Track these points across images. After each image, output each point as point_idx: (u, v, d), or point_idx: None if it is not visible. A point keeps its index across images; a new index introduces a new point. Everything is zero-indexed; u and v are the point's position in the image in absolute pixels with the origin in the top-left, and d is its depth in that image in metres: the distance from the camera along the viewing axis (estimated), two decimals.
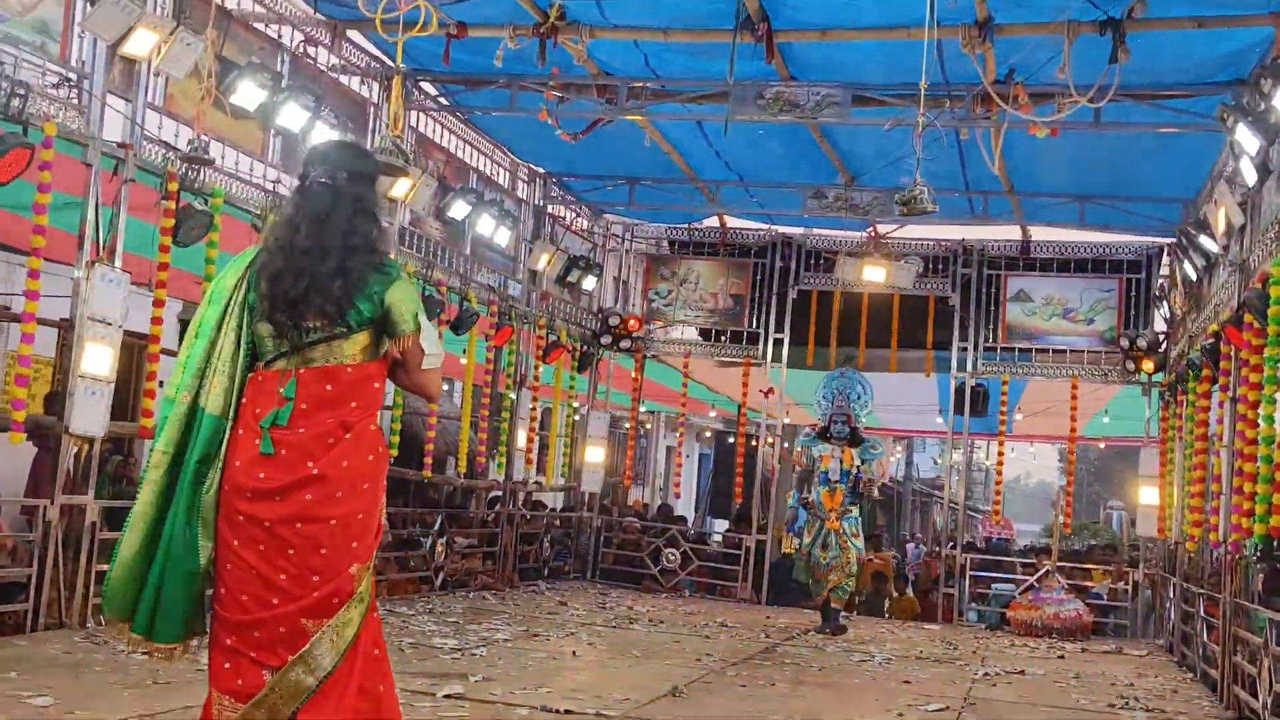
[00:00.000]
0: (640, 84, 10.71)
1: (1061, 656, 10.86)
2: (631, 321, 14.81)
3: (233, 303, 3.73)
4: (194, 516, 3.60)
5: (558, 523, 14.86)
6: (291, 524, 3.59)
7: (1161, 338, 13.35)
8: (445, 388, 15.42)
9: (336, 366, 3.70)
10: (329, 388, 3.68)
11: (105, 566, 7.76)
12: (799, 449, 11.67)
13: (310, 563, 3.60)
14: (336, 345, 3.71)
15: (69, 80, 7.57)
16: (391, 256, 3.90)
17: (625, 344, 14.90)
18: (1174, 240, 13.12)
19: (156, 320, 8.28)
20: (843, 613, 11.36)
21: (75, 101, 7.60)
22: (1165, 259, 13.69)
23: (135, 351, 9.48)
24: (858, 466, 11.17)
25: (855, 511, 11.27)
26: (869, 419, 12.08)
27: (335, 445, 3.64)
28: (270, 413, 3.64)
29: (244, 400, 3.70)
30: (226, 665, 3.60)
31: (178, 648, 3.65)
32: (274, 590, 3.58)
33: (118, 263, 7.76)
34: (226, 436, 3.66)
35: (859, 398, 11.43)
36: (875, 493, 11.62)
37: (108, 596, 3.68)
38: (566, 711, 6.29)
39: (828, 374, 11.88)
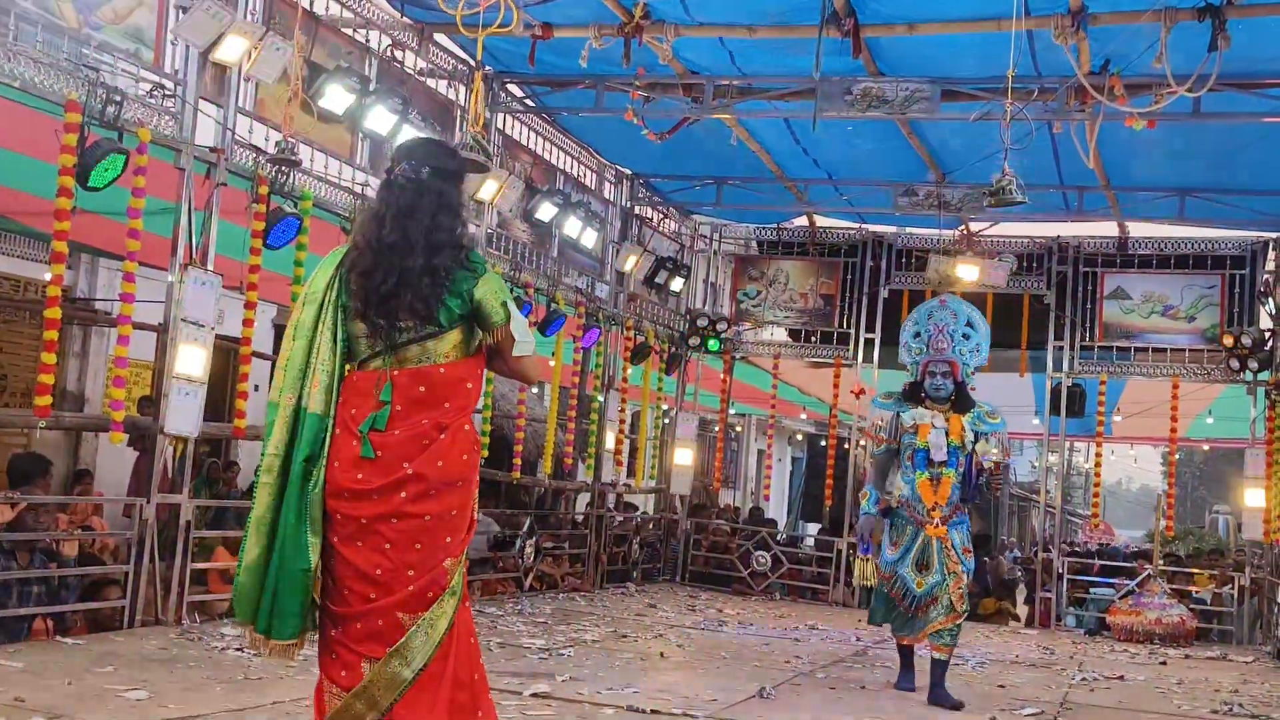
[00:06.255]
0: (726, 82, 10.65)
1: (1163, 662, 10.56)
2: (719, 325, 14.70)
3: (326, 302, 3.76)
4: (303, 515, 3.65)
5: (649, 525, 14.82)
6: (387, 520, 3.64)
7: (1267, 335, 12.93)
8: (534, 390, 15.49)
9: (430, 367, 3.72)
10: (422, 389, 3.70)
11: (200, 565, 8.06)
12: (876, 417, 7.66)
13: (406, 558, 3.65)
14: (430, 345, 3.72)
15: (162, 87, 7.71)
16: (478, 251, 3.87)
17: (714, 345, 14.79)
18: None
19: (248, 323, 8.39)
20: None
21: (168, 107, 7.74)
22: (1271, 253, 13.27)
23: (229, 354, 9.64)
24: (971, 443, 7.28)
25: (966, 511, 7.41)
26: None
27: (430, 446, 3.66)
28: (368, 416, 3.67)
29: (340, 400, 3.73)
30: (332, 656, 3.69)
31: (294, 644, 3.71)
32: (371, 584, 3.64)
33: (210, 266, 7.89)
34: (328, 435, 3.70)
35: (967, 338, 7.50)
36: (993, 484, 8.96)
37: (237, 599, 3.73)
38: (653, 711, 6.26)
39: (920, 306, 8.01)
